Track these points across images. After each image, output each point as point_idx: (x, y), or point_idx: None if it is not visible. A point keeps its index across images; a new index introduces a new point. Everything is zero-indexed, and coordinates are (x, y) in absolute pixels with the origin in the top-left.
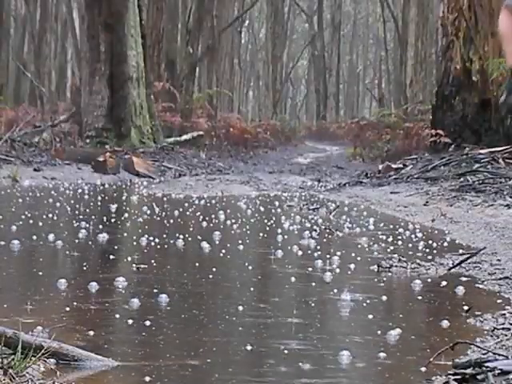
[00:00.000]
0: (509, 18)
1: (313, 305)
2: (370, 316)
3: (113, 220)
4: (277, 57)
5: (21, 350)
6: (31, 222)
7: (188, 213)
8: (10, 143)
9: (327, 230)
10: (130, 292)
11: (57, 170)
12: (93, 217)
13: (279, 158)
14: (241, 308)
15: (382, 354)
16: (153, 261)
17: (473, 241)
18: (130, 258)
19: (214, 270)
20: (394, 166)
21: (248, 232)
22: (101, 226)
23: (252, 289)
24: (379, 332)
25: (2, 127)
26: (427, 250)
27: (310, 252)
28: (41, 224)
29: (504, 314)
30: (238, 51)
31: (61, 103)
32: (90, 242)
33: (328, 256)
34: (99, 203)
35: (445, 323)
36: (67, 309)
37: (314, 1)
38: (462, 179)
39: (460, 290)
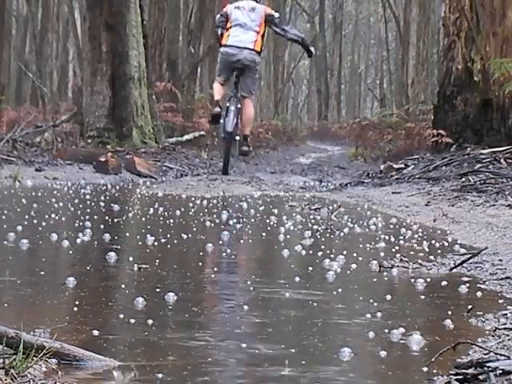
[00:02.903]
0: None
1: (315, 304)
2: (371, 315)
3: (115, 220)
4: (278, 57)
5: (22, 350)
6: (35, 221)
7: (190, 213)
8: (11, 143)
9: (329, 230)
10: (133, 291)
11: (58, 170)
12: (95, 216)
13: (281, 158)
14: (246, 307)
15: (384, 353)
16: (156, 261)
17: (474, 241)
18: (131, 258)
19: (216, 269)
20: (395, 166)
21: (250, 232)
22: (103, 226)
23: (256, 288)
24: (381, 331)
25: (4, 127)
26: (429, 250)
27: (312, 252)
28: (44, 224)
29: (506, 314)
30: None
31: (62, 103)
32: (93, 242)
33: (330, 256)
34: (101, 203)
35: (447, 323)
36: (70, 308)
37: (316, 1)
38: (463, 179)
39: (461, 290)
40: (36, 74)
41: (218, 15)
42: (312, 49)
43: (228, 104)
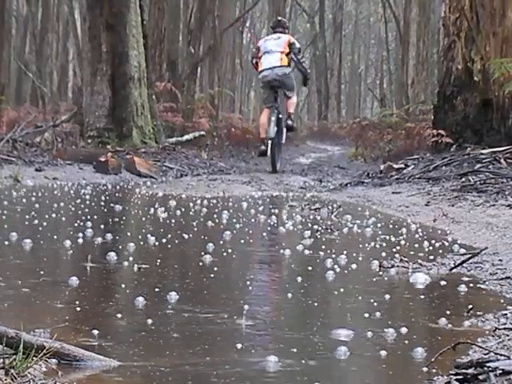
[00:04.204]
0: None
1: (316, 304)
2: (371, 315)
3: (115, 220)
4: None
5: (22, 350)
6: (35, 221)
7: (191, 213)
8: (11, 143)
9: (329, 230)
10: (133, 291)
11: (58, 170)
12: (95, 216)
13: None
14: (246, 307)
15: (383, 353)
16: (157, 261)
17: (474, 241)
18: (132, 258)
19: (216, 269)
20: (395, 166)
21: (250, 232)
22: (103, 226)
23: (256, 288)
24: (380, 331)
25: (4, 127)
26: (429, 250)
27: (311, 252)
28: (44, 224)
29: (505, 314)
30: (239, 51)
31: (62, 103)
32: (93, 242)
33: (330, 256)
34: (101, 203)
35: (447, 323)
36: (70, 308)
37: (316, 1)
38: (463, 179)
39: (461, 290)
40: (36, 74)
41: (253, 49)
42: (308, 82)
43: (270, 116)
